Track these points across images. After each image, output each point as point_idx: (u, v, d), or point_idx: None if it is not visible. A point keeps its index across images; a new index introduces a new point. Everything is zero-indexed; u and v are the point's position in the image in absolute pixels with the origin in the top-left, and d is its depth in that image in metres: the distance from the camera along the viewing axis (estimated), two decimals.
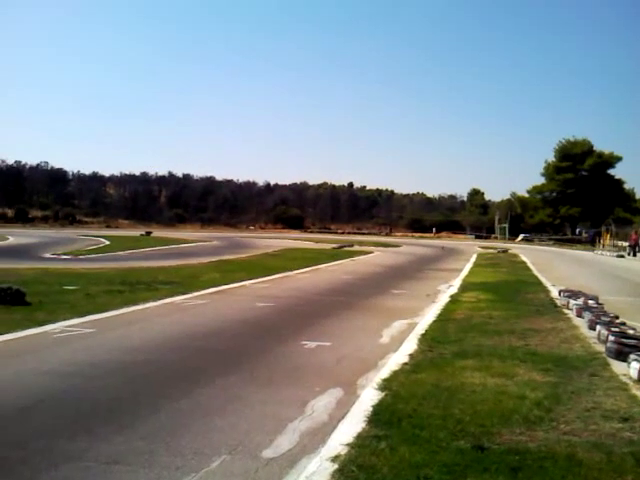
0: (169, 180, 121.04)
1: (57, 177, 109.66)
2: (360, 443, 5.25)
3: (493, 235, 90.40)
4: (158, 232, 67.59)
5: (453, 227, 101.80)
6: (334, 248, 45.16)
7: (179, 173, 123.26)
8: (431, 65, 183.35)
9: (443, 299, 16.46)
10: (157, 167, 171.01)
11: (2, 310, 12.12)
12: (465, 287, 19.84)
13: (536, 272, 26.88)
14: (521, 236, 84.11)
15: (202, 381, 7.50)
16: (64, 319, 11.49)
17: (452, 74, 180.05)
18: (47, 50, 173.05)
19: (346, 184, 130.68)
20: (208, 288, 17.40)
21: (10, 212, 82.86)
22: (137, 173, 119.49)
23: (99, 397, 6.81)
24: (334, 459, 4.92)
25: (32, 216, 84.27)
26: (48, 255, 30.51)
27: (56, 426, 5.75)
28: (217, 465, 4.90)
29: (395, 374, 7.77)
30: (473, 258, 38.67)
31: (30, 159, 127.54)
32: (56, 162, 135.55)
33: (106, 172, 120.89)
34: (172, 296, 15.42)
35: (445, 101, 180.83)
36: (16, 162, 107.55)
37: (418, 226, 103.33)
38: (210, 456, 5.07)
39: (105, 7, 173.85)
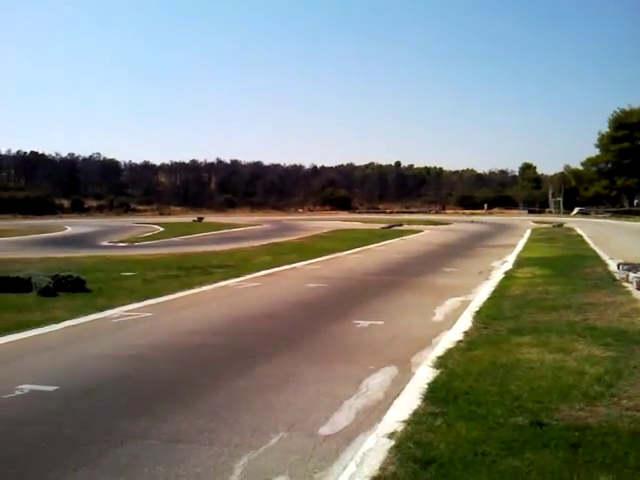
0: (218, 166, 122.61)
1: (110, 167, 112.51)
2: (416, 420, 5.26)
3: (547, 209, 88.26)
4: (209, 217, 68.70)
5: (505, 202, 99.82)
6: (383, 228, 44.94)
7: (227, 159, 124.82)
8: (479, 39, 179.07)
9: (497, 276, 16.20)
10: (206, 154, 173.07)
11: (64, 297, 12.59)
12: (520, 263, 19.47)
13: (593, 245, 26.12)
14: (576, 209, 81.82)
15: (258, 361, 7.63)
16: (123, 304, 11.86)
17: (500, 47, 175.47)
18: (98, 44, 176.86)
19: (393, 163, 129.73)
20: (260, 271, 17.62)
21: (66, 203, 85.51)
22: (187, 161, 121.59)
23: (159, 379, 7.02)
24: (390, 436, 4.94)
25: (87, 206, 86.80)
26: (105, 243, 31.43)
27: (119, 407, 5.96)
28: (275, 442, 5.00)
29: (450, 352, 7.71)
30: (527, 233, 37.87)
31: (83, 151, 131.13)
32: (108, 153, 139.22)
33: (157, 161, 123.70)
34: (226, 279, 15.68)
35: (493, 74, 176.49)
36: (69, 154, 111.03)
37: (468, 203, 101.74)
38: (268, 433, 5.17)
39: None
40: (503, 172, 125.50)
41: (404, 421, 5.24)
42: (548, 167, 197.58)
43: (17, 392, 6.32)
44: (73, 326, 10.02)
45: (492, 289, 13.49)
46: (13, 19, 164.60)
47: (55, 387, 6.53)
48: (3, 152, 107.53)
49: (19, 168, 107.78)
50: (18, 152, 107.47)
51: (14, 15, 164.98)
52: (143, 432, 5.24)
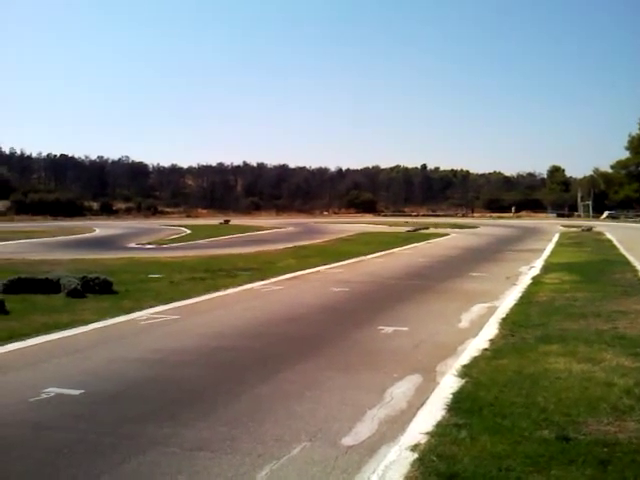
0: (244, 169, 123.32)
1: (138, 170, 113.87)
2: (440, 432, 5.19)
3: (576, 213, 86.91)
4: (235, 220, 69.07)
5: (533, 206, 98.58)
6: (408, 231, 44.67)
7: (253, 162, 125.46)
8: (507, 41, 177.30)
9: (524, 281, 15.99)
10: (232, 157, 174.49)
11: (92, 299, 12.75)
12: (547, 268, 19.20)
13: (623, 251, 25.63)
14: (606, 213, 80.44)
15: (281, 367, 7.62)
16: (150, 306, 11.96)
17: (528, 49, 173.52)
18: (129, 48, 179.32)
19: (419, 166, 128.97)
20: (285, 274, 17.64)
21: (95, 205, 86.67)
22: (213, 164, 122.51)
23: (183, 383, 7.05)
24: (414, 448, 4.88)
25: (116, 208, 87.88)
26: (133, 245, 31.78)
27: (143, 412, 5.99)
28: (297, 452, 4.97)
29: (475, 360, 7.62)
30: (555, 237, 37.35)
31: (112, 154, 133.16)
32: (136, 156, 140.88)
33: (184, 164, 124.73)
34: (251, 282, 15.74)
35: (521, 76, 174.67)
36: (99, 157, 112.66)
37: (496, 206, 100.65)
38: (290, 443, 5.14)
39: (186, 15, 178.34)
40: (531, 175, 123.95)
41: (428, 433, 5.18)
42: (577, 170, 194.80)
43: (43, 395, 6.40)
44: (100, 328, 10.13)
45: (519, 295, 13.32)
46: (43, 24, 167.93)
47: (81, 391, 6.60)
48: (34, 155, 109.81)
49: (49, 171, 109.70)
50: (48, 155, 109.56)
51: (44, 20, 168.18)
52: (166, 439, 5.25)
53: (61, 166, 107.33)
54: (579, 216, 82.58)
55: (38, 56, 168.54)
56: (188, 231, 44.74)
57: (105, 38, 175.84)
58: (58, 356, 8.29)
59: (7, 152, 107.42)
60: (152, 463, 4.77)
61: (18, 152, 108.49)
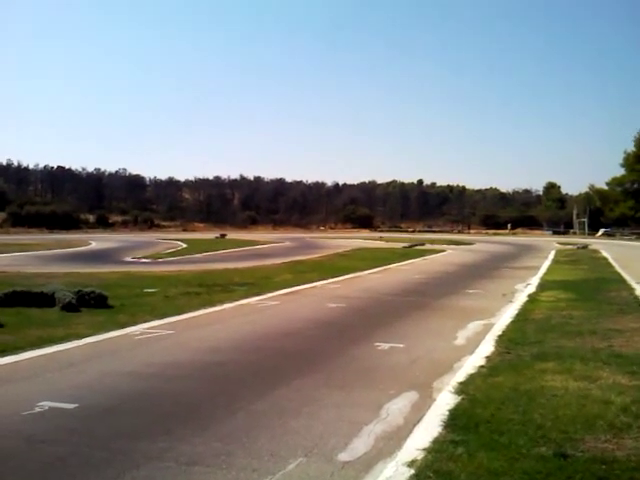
0: (241, 183, 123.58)
1: (135, 183, 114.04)
2: (437, 448, 5.16)
3: (571, 230, 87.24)
4: (232, 234, 69.14)
5: (529, 223, 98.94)
6: (405, 247, 44.71)
7: (250, 176, 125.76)
8: (502, 55, 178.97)
9: (520, 298, 15.99)
10: (229, 171, 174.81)
11: (86, 313, 12.69)
12: (543, 286, 19.22)
13: (619, 269, 25.69)
14: (601, 231, 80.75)
15: (277, 383, 7.59)
16: (144, 321, 11.91)
17: (524, 63, 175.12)
18: (127, 63, 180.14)
19: (415, 181, 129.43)
20: (281, 289, 17.62)
21: (92, 218, 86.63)
22: (210, 177, 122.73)
23: (178, 398, 7.00)
24: (410, 464, 4.86)
25: (112, 221, 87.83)
26: (128, 259, 31.73)
27: (137, 427, 5.95)
28: (293, 467, 4.94)
29: (472, 377, 7.60)
30: (551, 255, 37.43)
31: (109, 166, 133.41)
32: (133, 169, 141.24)
33: (181, 177, 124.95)
34: (247, 297, 15.70)
35: (517, 92, 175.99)
36: (96, 169, 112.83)
37: (492, 222, 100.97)
38: (286, 458, 5.11)
39: (187, 21, 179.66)
40: (527, 191, 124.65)
41: (424, 449, 5.16)
42: (573, 187, 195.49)
43: (37, 409, 6.36)
44: (95, 342, 10.08)
45: (515, 312, 13.31)
46: (41, 33, 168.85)
47: (75, 404, 6.55)
48: (31, 167, 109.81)
49: (46, 183, 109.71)
50: (45, 167, 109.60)
51: (42, 30, 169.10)
52: (160, 454, 5.22)
53: (58, 178, 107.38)
54: (574, 233, 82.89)
55: (36, 67, 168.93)
56: (184, 245, 44.71)
57: (104, 50, 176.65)
58: (52, 370, 8.23)
59: (4, 163, 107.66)
60: (147, 478, 4.73)
61: (15, 163, 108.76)
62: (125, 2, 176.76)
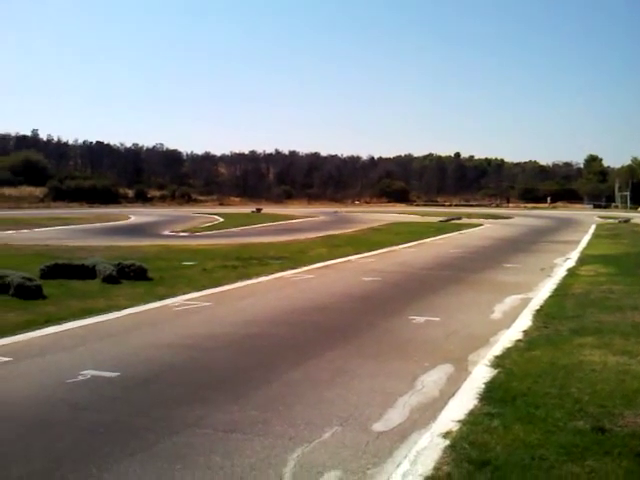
0: (276, 157, 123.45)
1: (172, 158, 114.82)
2: (472, 420, 5.17)
3: (613, 204, 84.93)
4: (267, 208, 69.31)
5: (569, 196, 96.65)
6: (441, 221, 44.25)
7: (285, 150, 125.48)
8: (541, 27, 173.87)
9: (559, 273, 15.75)
10: (265, 145, 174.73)
11: (126, 285, 12.97)
12: (583, 260, 18.86)
13: None
14: None
15: (312, 354, 7.67)
16: (183, 293, 12.13)
17: (564, 34, 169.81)
18: (165, 39, 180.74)
19: (453, 154, 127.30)
20: (316, 263, 17.68)
21: (130, 192, 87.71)
22: (246, 152, 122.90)
23: (215, 368, 7.14)
24: (445, 435, 4.87)
25: (150, 195, 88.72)
26: (167, 232, 32.16)
27: (176, 395, 6.09)
28: (329, 436, 5.01)
29: (508, 351, 7.55)
30: (591, 229, 36.63)
31: (147, 141, 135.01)
32: (171, 144, 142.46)
33: (217, 152, 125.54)
34: (282, 271, 15.82)
35: (557, 62, 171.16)
36: (134, 145, 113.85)
37: (531, 196, 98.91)
38: (322, 427, 5.18)
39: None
40: (567, 164, 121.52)
41: (459, 421, 5.17)
42: (615, 159, 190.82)
43: (80, 377, 6.56)
44: (135, 314, 10.32)
45: (554, 287, 13.12)
46: (79, 12, 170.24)
47: (116, 373, 6.75)
48: (70, 142, 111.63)
49: (85, 158, 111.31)
50: (84, 142, 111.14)
51: (80, 8, 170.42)
52: (199, 421, 5.35)
53: (97, 153, 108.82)
54: (616, 207, 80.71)
55: (75, 44, 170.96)
56: (221, 219, 45.06)
57: (141, 25, 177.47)
58: (94, 340, 8.47)
59: (44, 139, 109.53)
60: (186, 443, 4.86)
61: (55, 139, 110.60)
62: None
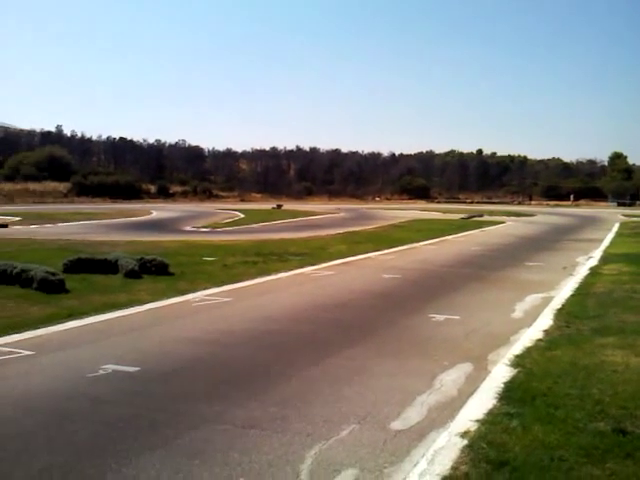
0: (297, 154, 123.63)
1: (194, 154, 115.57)
2: (491, 420, 5.14)
3: (638, 202, 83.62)
4: (288, 205, 69.43)
5: (593, 194, 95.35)
6: (462, 218, 43.94)
7: (306, 147, 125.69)
8: (565, 23, 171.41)
9: (582, 272, 15.56)
10: (286, 141, 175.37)
11: (148, 280, 13.09)
12: (606, 259, 18.60)
13: None
14: None
15: (331, 351, 7.67)
16: (204, 288, 12.22)
17: (588, 29, 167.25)
18: (184, 38, 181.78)
19: (475, 151, 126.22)
20: (336, 259, 17.68)
21: (153, 188, 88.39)
22: (267, 148, 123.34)
23: (235, 364, 7.18)
24: (463, 435, 4.85)
25: (172, 191, 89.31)
26: (188, 228, 32.38)
27: (195, 391, 6.15)
28: (346, 434, 5.01)
29: (528, 350, 7.48)
30: (615, 227, 36.10)
31: (169, 138, 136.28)
32: (193, 140, 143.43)
33: (239, 148, 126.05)
34: (302, 267, 15.84)
35: (581, 58, 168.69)
36: (156, 141, 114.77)
37: (554, 194, 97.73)
38: (339, 424, 5.19)
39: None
40: (591, 162, 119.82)
41: (478, 420, 5.14)
42: None
43: (101, 371, 6.65)
44: (156, 308, 10.42)
45: (576, 286, 12.97)
46: (101, 13, 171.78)
47: (136, 368, 6.82)
48: (94, 138, 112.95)
49: (109, 153, 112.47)
50: (108, 138, 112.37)
51: (104, 9, 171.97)
52: (217, 416, 5.39)
53: (120, 149, 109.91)
54: None
55: (99, 42, 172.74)
56: (242, 215, 45.22)
57: (165, 23, 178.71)
58: (115, 334, 8.57)
59: (68, 135, 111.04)
60: (205, 439, 4.90)
61: (79, 135, 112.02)
62: None
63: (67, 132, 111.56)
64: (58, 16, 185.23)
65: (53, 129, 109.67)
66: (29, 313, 9.60)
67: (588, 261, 18.16)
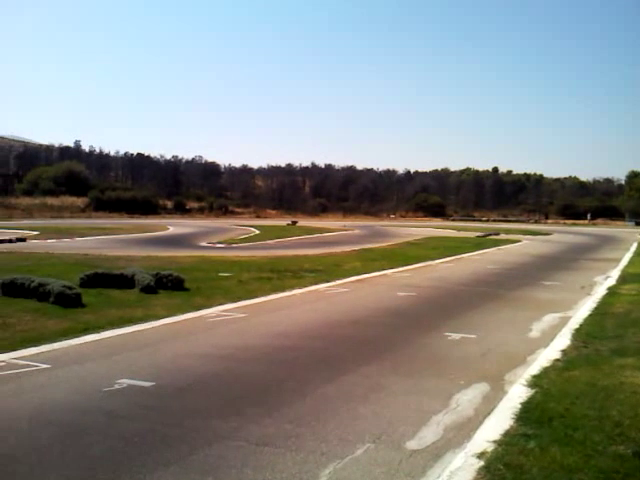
0: (312, 171, 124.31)
1: (211, 170, 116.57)
2: (507, 441, 5.07)
3: None
4: (303, 221, 69.62)
5: (610, 213, 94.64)
6: (478, 236, 43.73)
7: (321, 164, 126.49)
8: (581, 40, 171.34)
9: (599, 291, 15.39)
10: (301, 158, 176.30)
11: (164, 295, 13.15)
12: (624, 278, 18.40)
13: None
14: None
15: (345, 369, 7.63)
16: (219, 304, 12.25)
17: (604, 47, 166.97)
18: (202, 56, 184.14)
19: (490, 169, 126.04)
20: (350, 276, 17.65)
21: (169, 203, 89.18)
22: (283, 165, 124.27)
23: (249, 380, 7.17)
24: (480, 455, 4.79)
25: (189, 207, 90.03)
26: (204, 243, 32.51)
27: (210, 406, 6.14)
28: (361, 453, 4.97)
29: (546, 371, 7.40)
30: (633, 247, 35.73)
31: (186, 154, 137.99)
32: (209, 156, 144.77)
33: (254, 165, 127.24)
34: (316, 284, 15.83)
35: (598, 76, 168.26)
36: (174, 157, 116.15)
37: (570, 212, 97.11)
38: (354, 443, 5.15)
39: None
40: (608, 180, 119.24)
41: (495, 441, 5.07)
42: None
43: (116, 386, 6.67)
44: (171, 324, 10.45)
45: (594, 306, 12.83)
46: (120, 29, 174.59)
47: (151, 383, 6.82)
48: (112, 154, 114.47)
49: (126, 169, 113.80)
50: (125, 154, 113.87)
51: (121, 26, 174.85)
52: (231, 433, 5.37)
53: (137, 165, 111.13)
54: None
55: (120, 61, 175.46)
56: (257, 231, 45.37)
57: (181, 43, 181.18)
58: (131, 349, 8.60)
59: (87, 150, 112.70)
60: (219, 456, 4.88)
61: (97, 151, 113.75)
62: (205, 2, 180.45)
63: (85, 147, 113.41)
64: (76, 34, 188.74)
65: (72, 144, 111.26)
66: (46, 327, 9.68)
67: (606, 281, 17.97)
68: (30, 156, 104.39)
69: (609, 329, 10.03)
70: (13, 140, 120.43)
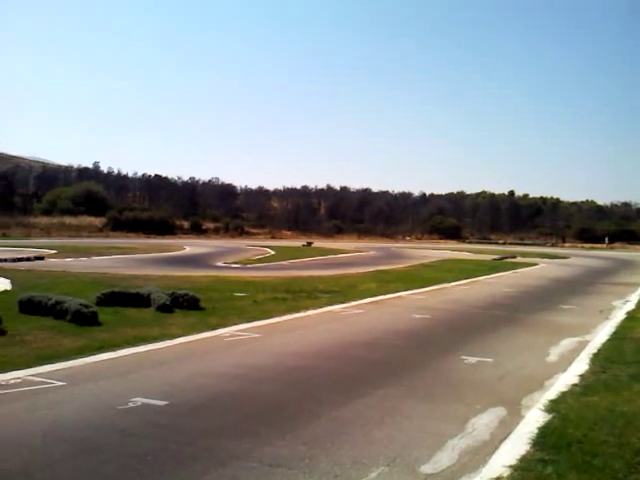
0: (328, 193, 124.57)
1: (227, 192, 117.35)
2: (524, 466, 4.98)
3: None
4: (318, 242, 69.70)
5: (628, 237, 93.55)
6: (494, 259, 43.40)
7: (337, 186, 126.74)
8: (599, 58, 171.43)
9: (619, 316, 15.18)
10: (316, 180, 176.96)
11: (179, 314, 13.19)
12: None
13: None
14: None
15: (360, 391, 7.57)
16: (234, 324, 12.25)
17: (624, 66, 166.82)
18: (219, 80, 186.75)
19: (506, 192, 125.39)
20: (365, 298, 17.59)
21: (186, 224, 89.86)
22: (298, 187, 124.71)
23: (263, 400, 7.14)
24: None
25: (205, 227, 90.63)
26: (220, 264, 32.63)
27: (223, 426, 6.11)
28: (375, 476, 4.91)
29: (563, 395, 7.29)
30: None
31: (203, 175, 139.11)
32: (226, 178, 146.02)
33: (270, 186, 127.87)
34: (331, 305, 15.79)
35: (615, 98, 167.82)
36: (190, 178, 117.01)
37: (588, 236, 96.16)
38: (368, 467, 5.09)
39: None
40: (626, 204, 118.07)
41: (511, 466, 4.99)
42: None
43: (130, 404, 6.67)
44: (186, 343, 10.47)
45: (613, 330, 12.65)
46: (133, 47, 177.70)
47: (165, 402, 6.82)
48: (130, 175, 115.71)
49: (144, 190, 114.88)
50: (143, 175, 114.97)
51: (135, 44, 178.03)
52: (245, 453, 5.34)
53: (155, 186, 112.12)
54: None
55: (138, 84, 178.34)
56: (272, 252, 45.47)
57: (201, 63, 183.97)
58: (146, 368, 8.61)
59: (105, 171, 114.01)
60: (232, 476, 4.85)
61: (115, 171, 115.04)
62: (213, 16, 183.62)
63: (104, 169, 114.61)
64: (97, 58, 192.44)
65: (90, 165, 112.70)
66: (62, 344, 9.73)
67: (625, 305, 17.73)
68: (49, 177, 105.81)
69: (628, 354, 9.87)
70: (33, 161, 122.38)
